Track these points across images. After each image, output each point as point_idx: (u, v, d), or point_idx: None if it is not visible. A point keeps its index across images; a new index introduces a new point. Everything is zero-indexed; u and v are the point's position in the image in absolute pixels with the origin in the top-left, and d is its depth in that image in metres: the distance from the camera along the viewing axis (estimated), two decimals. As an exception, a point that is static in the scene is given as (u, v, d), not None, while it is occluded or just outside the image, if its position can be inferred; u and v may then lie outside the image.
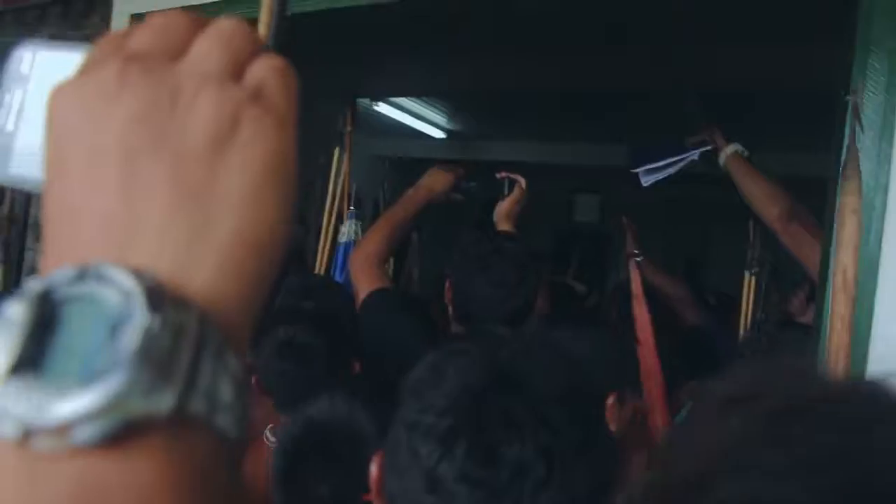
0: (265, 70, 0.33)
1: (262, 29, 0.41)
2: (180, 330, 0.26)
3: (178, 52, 0.32)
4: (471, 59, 4.44)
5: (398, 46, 4.42)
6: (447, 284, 1.49)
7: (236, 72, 0.33)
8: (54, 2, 2.36)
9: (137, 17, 2.09)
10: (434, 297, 2.81)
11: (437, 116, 6.47)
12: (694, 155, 1.97)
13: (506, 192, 1.78)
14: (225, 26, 0.33)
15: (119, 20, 2.16)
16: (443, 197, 1.77)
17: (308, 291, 1.58)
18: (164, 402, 0.26)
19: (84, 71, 0.31)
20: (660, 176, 2.05)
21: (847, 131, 0.99)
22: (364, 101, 5.96)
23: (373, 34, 4.14)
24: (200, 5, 1.94)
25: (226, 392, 0.28)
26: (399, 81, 5.06)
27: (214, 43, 0.33)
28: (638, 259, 2.62)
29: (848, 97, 0.95)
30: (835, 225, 0.96)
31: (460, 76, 4.62)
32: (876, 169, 1.01)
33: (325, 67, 5.06)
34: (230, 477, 0.29)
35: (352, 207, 1.98)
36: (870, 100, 0.99)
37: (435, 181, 1.76)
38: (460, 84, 4.82)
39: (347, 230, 1.96)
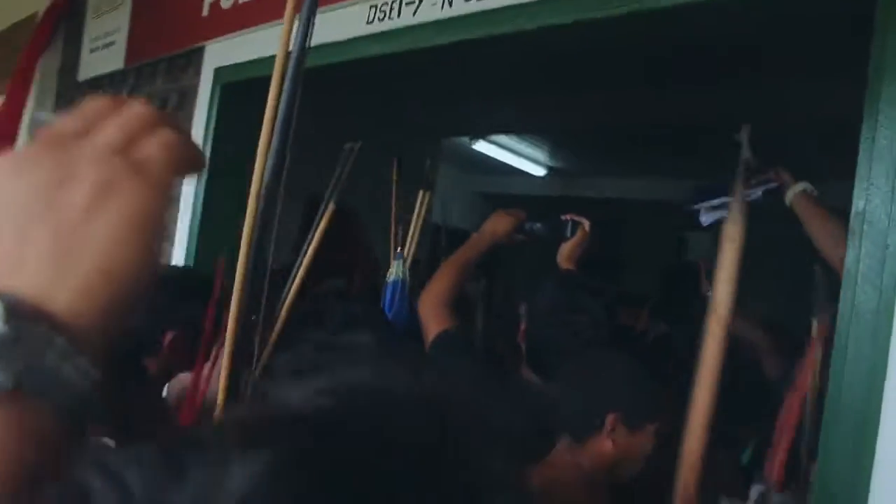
0: (153, 145, 0.43)
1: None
2: (29, 333, 0.36)
3: (88, 131, 0.42)
4: (572, 96, 4.47)
5: (494, 84, 4.56)
6: (521, 331, 1.51)
7: (127, 147, 0.42)
8: (160, 60, 2.69)
9: (220, 69, 2.34)
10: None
11: (537, 153, 6.51)
12: (757, 193, 1.86)
13: (568, 234, 1.75)
14: (130, 110, 0.43)
15: (207, 74, 2.43)
16: (506, 239, 1.74)
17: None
18: (5, 380, 0.35)
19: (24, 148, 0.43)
20: (718, 214, 1.95)
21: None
22: (463, 140, 6.16)
23: (468, 72, 4.29)
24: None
25: (68, 379, 0.37)
26: (496, 119, 5.17)
27: (114, 124, 0.42)
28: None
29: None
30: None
31: (558, 112, 4.65)
32: (889, 206, 0.92)
33: (417, 107, 5.30)
34: (68, 441, 0.38)
35: (399, 248, 2.03)
36: (882, 133, 0.92)
37: (497, 224, 1.74)
38: (558, 120, 4.82)
39: (395, 270, 2.01)
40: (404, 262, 2.01)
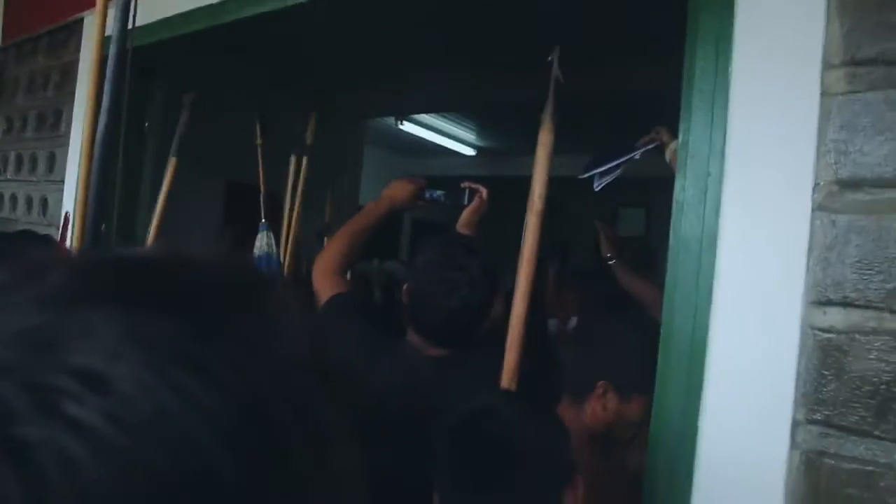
0: None
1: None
2: None
3: None
4: (494, 74, 4.47)
5: (419, 64, 4.52)
6: (404, 289, 1.49)
7: None
8: (41, 35, 2.55)
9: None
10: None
11: (467, 134, 6.52)
12: (636, 154, 1.89)
13: (465, 201, 1.75)
14: None
15: (87, 48, 2.31)
16: (405, 206, 1.72)
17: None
18: None
19: None
20: (608, 179, 1.98)
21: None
22: (388, 121, 6.11)
23: (390, 52, 4.25)
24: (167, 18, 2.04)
25: None
26: (424, 99, 5.13)
27: None
28: (611, 262, 2.51)
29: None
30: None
31: (484, 92, 4.65)
32: (710, 134, 0.94)
33: (337, 88, 5.22)
34: None
35: (263, 220, 1.94)
36: (700, 63, 0.93)
37: (396, 191, 1.71)
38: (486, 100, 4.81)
39: (260, 242, 1.93)
40: (269, 233, 1.93)
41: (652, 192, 7.84)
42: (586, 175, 2.00)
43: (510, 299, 1.38)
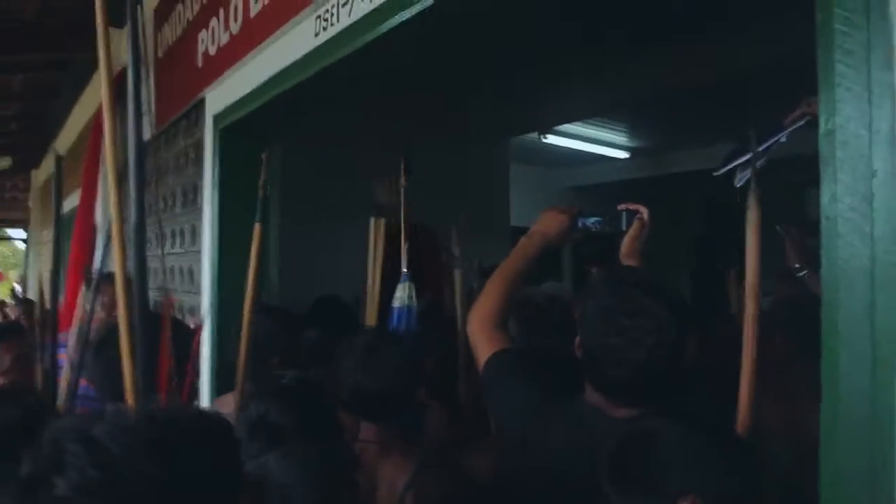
0: None
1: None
2: None
3: None
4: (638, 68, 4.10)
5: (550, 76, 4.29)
6: (577, 343, 1.20)
7: None
8: (180, 118, 2.74)
9: (218, 116, 2.32)
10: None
11: (618, 137, 6.10)
12: (782, 136, 1.51)
13: (623, 226, 1.51)
14: None
15: (209, 122, 2.42)
16: (560, 241, 1.51)
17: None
18: None
19: None
20: (748, 173, 1.61)
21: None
22: (532, 136, 5.89)
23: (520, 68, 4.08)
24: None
25: None
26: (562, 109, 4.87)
27: None
28: (801, 275, 2.07)
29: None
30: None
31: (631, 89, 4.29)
32: (868, 112, 0.62)
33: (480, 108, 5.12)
34: None
35: (405, 269, 1.80)
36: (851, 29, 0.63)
37: (548, 225, 1.51)
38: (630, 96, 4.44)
39: (401, 294, 1.80)
40: (410, 283, 1.80)
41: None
42: (723, 171, 1.66)
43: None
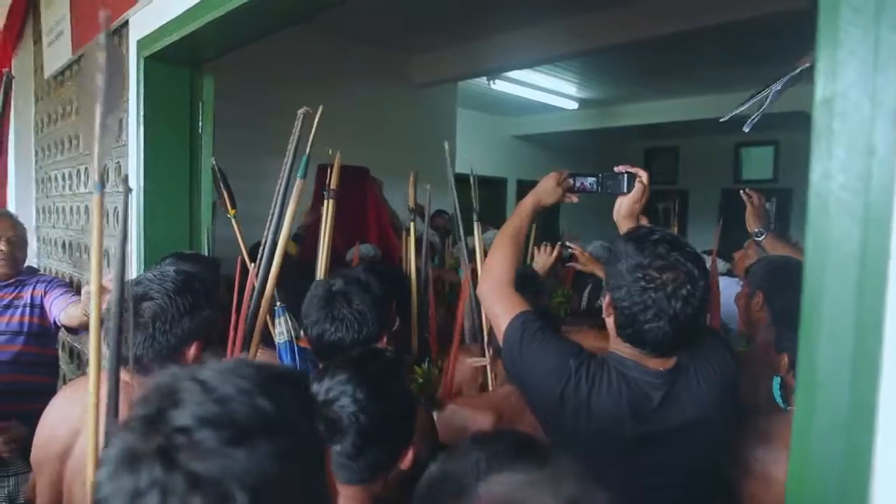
0: None
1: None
2: None
3: None
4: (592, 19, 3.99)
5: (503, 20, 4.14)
6: (606, 303, 1.29)
7: None
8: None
9: (142, 41, 2.10)
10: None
11: (567, 85, 6.01)
12: (780, 83, 1.52)
13: (625, 189, 1.51)
14: None
15: (132, 49, 2.20)
16: (553, 201, 1.56)
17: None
18: None
19: None
20: (756, 117, 1.64)
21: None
22: (480, 82, 5.74)
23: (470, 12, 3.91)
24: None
25: None
26: (514, 54, 4.72)
27: None
28: (759, 238, 2.12)
29: None
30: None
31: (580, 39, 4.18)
32: (872, 80, 0.56)
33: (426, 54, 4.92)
34: None
35: (279, 303, 1.71)
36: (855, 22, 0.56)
37: (540, 186, 1.57)
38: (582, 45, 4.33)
39: (282, 329, 1.71)
40: (286, 318, 1.71)
41: (780, 128, 7.01)
42: (729, 117, 1.68)
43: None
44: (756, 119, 1.78)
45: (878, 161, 0.56)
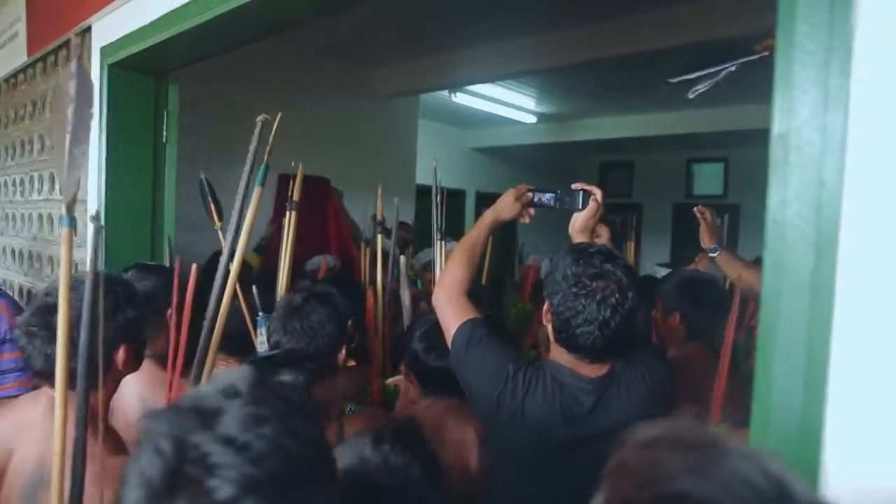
0: None
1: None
2: None
3: None
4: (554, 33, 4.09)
5: (464, 34, 4.21)
6: (545, 310, 1.38)
7: None
8: (60, 46, 2.42)
9: (106, 48, 2.07)
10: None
11: (526, 100, 6.12)
12: (732, 66, 1.67)
13: (580, 205, 1.60)
14: None
15: (95, 56, 2.16)
16: (511, 215, 1.63)
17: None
18: None
19: None
20: (703, 88, 1.76)
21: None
22: (441, 94, 5.80)
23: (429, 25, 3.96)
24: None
25: None
26: (474, 69, 4.80)
27: None
28: (713, 255, 2.20)
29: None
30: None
31: (540, 55, 4.27)
32: (823, 117, 0.62)
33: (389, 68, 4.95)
34: None
35: (261, 313, 1.69)
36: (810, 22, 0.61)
37: (500, 202, 1.64)
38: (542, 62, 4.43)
39: (262, 339, 1.74)
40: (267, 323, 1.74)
41: (730, 146, 7.28)
42: (678, 80, 1.80)
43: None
44: (701, 90, 1.88)
45: (827, 193, 0.62)
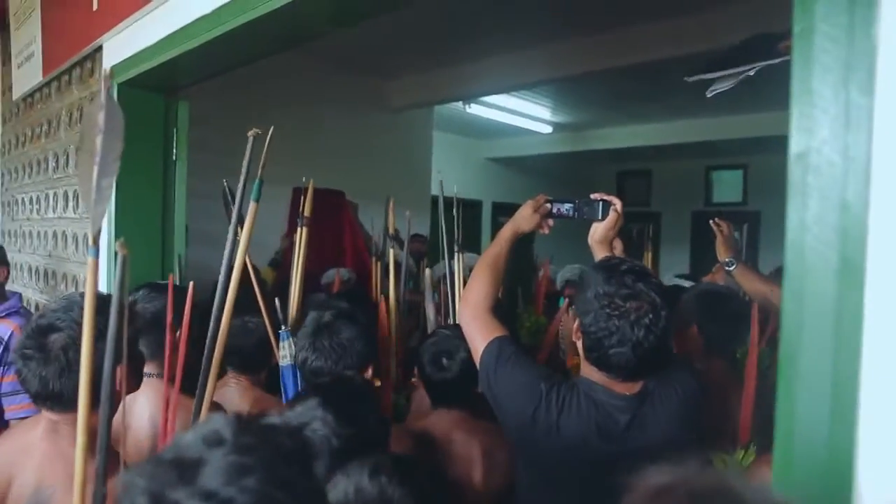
0: None
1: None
2: None
3: None
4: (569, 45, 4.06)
5: (478, 45, 4.19)
6: (575, 328, 1.36)
7: None
8: (73, 66, 2.44)
9: (116, 67, 2.08)
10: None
11: (542, 110, 6.09)
12: (754, 67, 1.62)
13: (600, 216, 1.56)
14: None
15: (105, 74, 2.17)
16: (530, 227, 1.60)
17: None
18: None
19: None
20: (722, 87, 1.71)
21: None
22: (456, 106, 5.79)
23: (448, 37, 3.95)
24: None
25: None
26: (488, 80, 4.78)
27: None
28: (730, 269, 2.13)
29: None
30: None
31: (555, 64, 4.24)
32: (845, 138, 0.58)
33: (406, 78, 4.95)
34: None
35: (283, 327, 1.73)
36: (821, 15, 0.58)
37: (519, 214, 1.61)
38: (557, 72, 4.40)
39: (285, 352, 1.74)
40: (290, 342, 1.72)
41: (750, 153, 7.17)
42: (694, 79, 1.75)
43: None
44: (718, 89, 1.83)
45: (851, 217, 0.58)
